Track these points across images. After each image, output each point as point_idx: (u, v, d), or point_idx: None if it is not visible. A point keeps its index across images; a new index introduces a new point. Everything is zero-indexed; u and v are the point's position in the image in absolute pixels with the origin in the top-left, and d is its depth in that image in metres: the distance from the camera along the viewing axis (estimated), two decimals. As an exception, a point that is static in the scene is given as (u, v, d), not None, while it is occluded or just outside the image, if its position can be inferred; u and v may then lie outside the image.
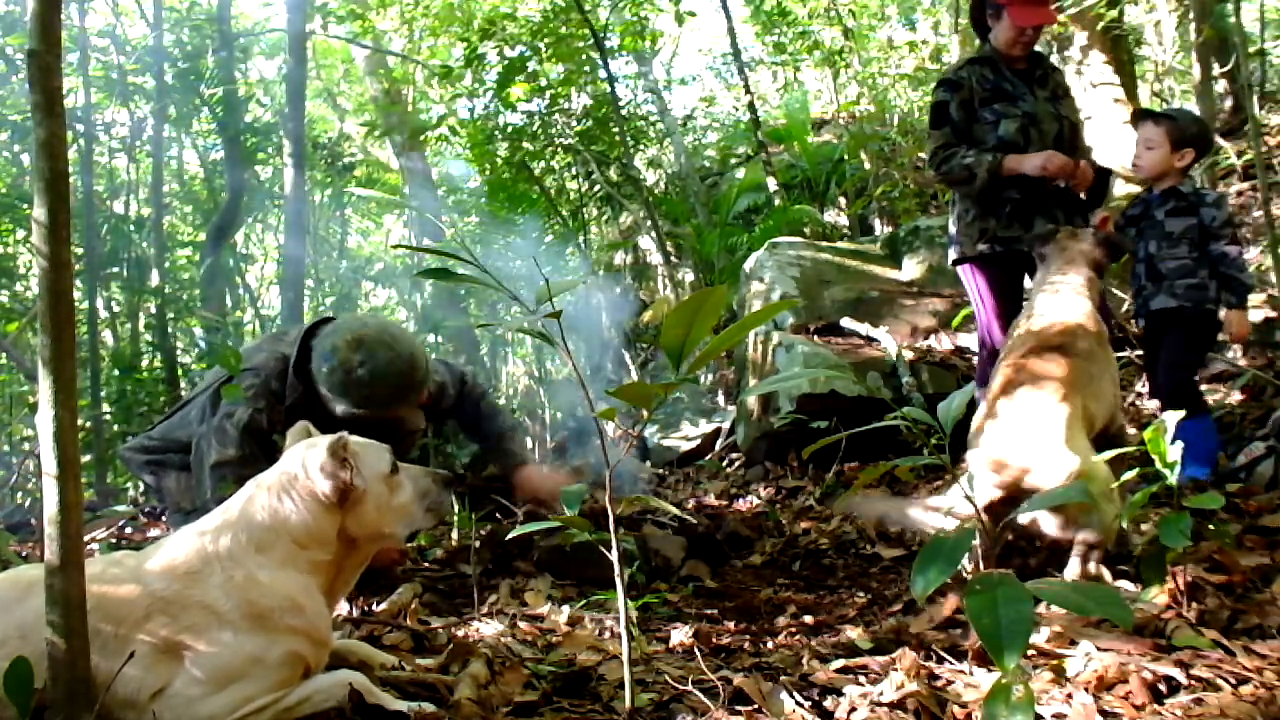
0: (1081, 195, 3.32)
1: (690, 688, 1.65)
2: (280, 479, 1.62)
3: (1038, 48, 3.40)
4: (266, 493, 1.60)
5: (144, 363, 6.79)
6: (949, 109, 3.24)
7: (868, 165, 9.09)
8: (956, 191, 3.33)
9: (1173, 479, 2.00)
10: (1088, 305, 2.60)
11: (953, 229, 3.36)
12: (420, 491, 1.73)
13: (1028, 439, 2.20)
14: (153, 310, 6.90)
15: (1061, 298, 2.64)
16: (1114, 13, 5.99)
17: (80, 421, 1.45)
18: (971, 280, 3.30)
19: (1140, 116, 3.35)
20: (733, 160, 11.32)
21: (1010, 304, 3.28)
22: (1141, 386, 4.46)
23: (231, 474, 2.50)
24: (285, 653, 1.48)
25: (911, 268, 6.30)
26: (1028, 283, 3.37)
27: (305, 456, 1.62)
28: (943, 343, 5.29)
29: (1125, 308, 3.73)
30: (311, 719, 1.48)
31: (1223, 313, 3.16)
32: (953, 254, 3.35)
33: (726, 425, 5.98)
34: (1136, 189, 6.47)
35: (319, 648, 1.56)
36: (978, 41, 3.55)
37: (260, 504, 1.59)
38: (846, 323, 5.42)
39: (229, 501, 1.65)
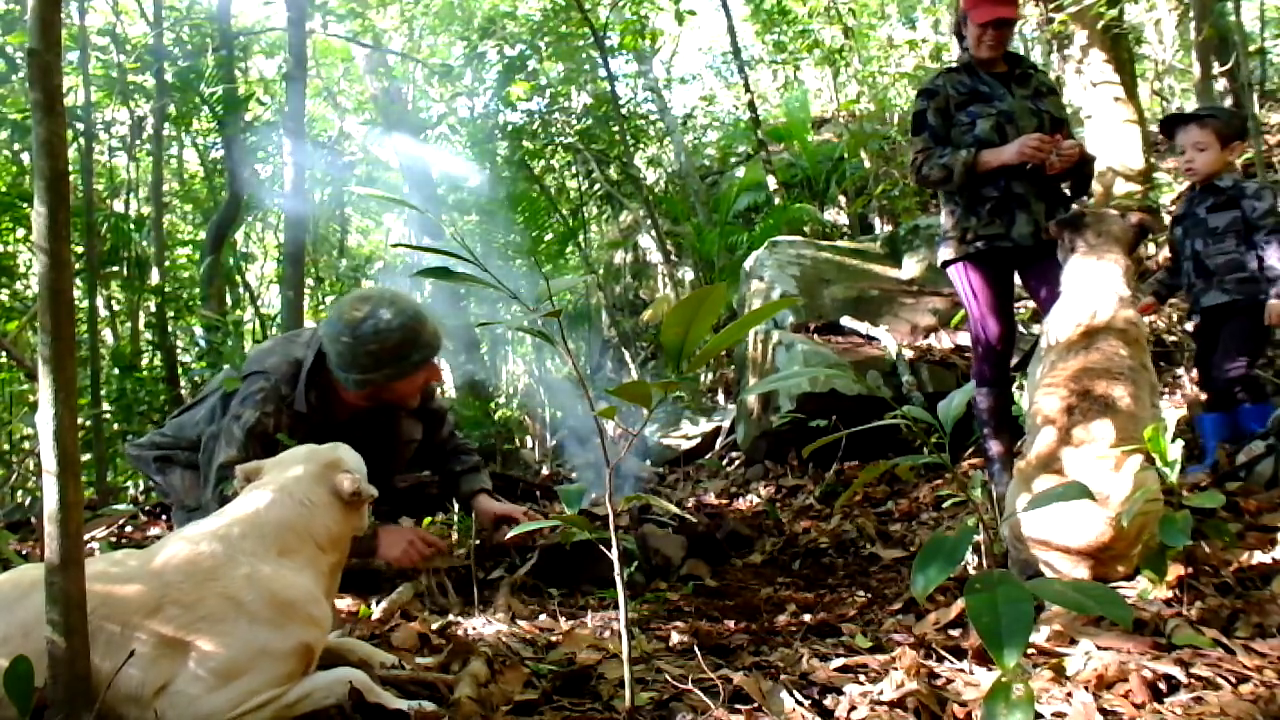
0: (1065, 188, 3.33)
1: (690, 686, 1.65)
2: (303, 481, 1.68)
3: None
4: (287, 495, 1.66)
5: (144, 361, 6.78)
6: (926, 116, 3.30)
7: (868, 164, 9.09)
8: (943, 193, 3.36)
9: (1173, 478, 2.00)
10: (1131, 311, 2.52)
11: (943, 231, 3.39)
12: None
13: (1119, 480, 2.11)
14: (153, 309, 6.90)
15: (1102, 295, 2.55)
16: (1114, 11, 5.99)
17: (80, 420, 1.46)
18: (961, 277, 3.31)
19: (1178, 121, 3.33)
20: (733, 159, 11.33)
21: (1002, 299, 3.28)
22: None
23: (233, 475, 2.50)
24: (297, 644, 1.50)
25: (911, 266, 6.30)
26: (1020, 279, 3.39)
27: (327, 466, 1.72)
28: (942, 341, 5.29)
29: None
30: (312, 716, 1.48)
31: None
32: (942, 256, 3.37)
33: (726, 424, 5.98)
34: (1136, 187, 6.49)
35: (323, 642, 1.60)
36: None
37: (281, 505, 1.64)
38: (846, 321, 5.42)
39: (245, 503, 1.66)
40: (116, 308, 7.74)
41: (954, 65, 3.42)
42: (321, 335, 2.66)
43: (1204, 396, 3.36)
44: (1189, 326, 4.68)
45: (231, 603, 1.47)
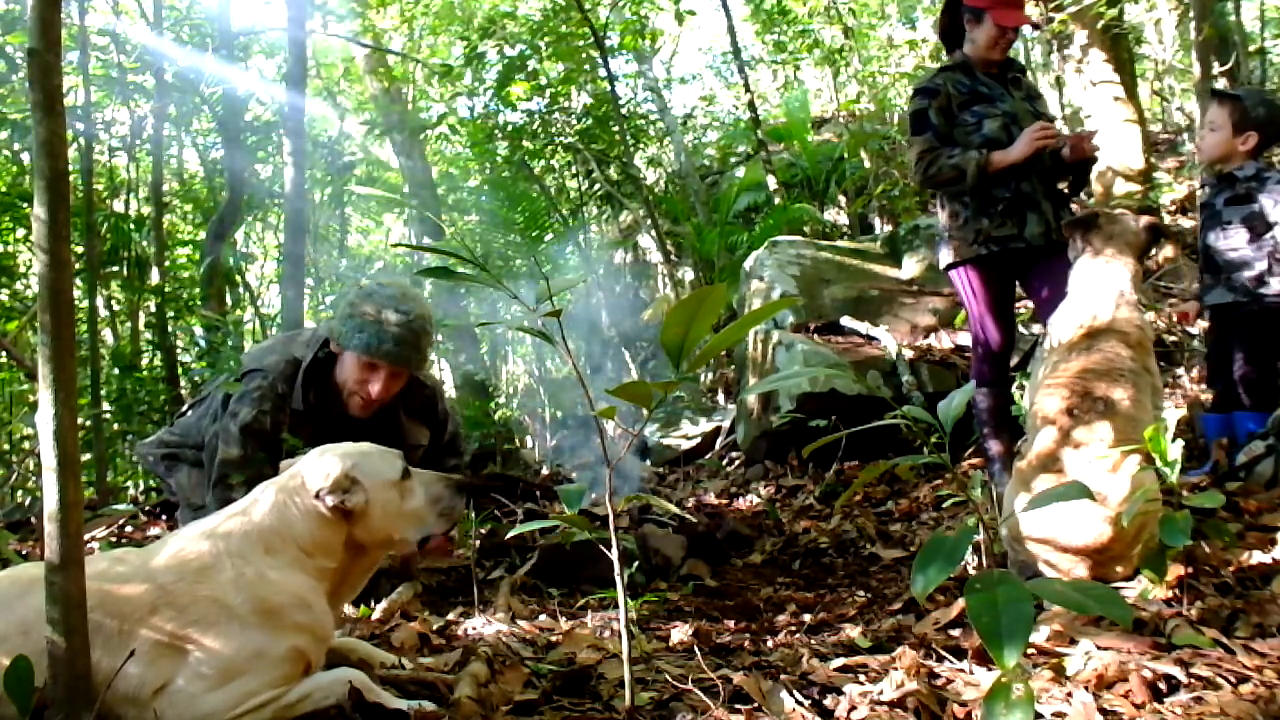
0: (1063, 187, 3.32)
1: (690, 686, 1.65)
2: (289, 486, 1.65)
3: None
4: (275, 497, 1.64)
5: (144, 361, 6.79)
6: (928, 115, 3.22)
7: (868, 164, 9.09)
8: (946, 194, 3.31)
9: (1173, 478, 2.00)
10: (1135, 313, 2.50)
11: (943, 233, 3.34)
12: (432, 497, 1.76)
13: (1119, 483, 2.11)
14: (153, 309, 6.90)
15: (1106, 297, 2.54)
16: (1114, 11, 6.00)
17: (80, 420, 1.46)
18: (963, 279, 3.28)
19: (1211, 95, 3.20)
20: (733, 159, 11.32)
21: (1002, 300, 3.26)
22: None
23: (232, 473, 2.53)
24: (289, 649, 1.49)
25: (911, 266, 6.30)
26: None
27: (305, 471, 1.66)
28: (942, 341, 5.29)
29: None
30: (312, 716, 1.48)
31: None
32: (945, 258, 3.31)
33: (726, 424, 5.98)
34: (1136, 187, 6.49)
35: (321, 645, 1.58)
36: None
37: (269, 508, 1.62)
38: (846, 321, 5.42)
39: (239, 502, 1.67)
40: (116, 308, 7.74)
41: (949, 65, 3.38)
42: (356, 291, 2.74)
43: (1205, 396, 3.33)
44: (1191, 328, 4.67)
45: (220, 605, 1.46)
